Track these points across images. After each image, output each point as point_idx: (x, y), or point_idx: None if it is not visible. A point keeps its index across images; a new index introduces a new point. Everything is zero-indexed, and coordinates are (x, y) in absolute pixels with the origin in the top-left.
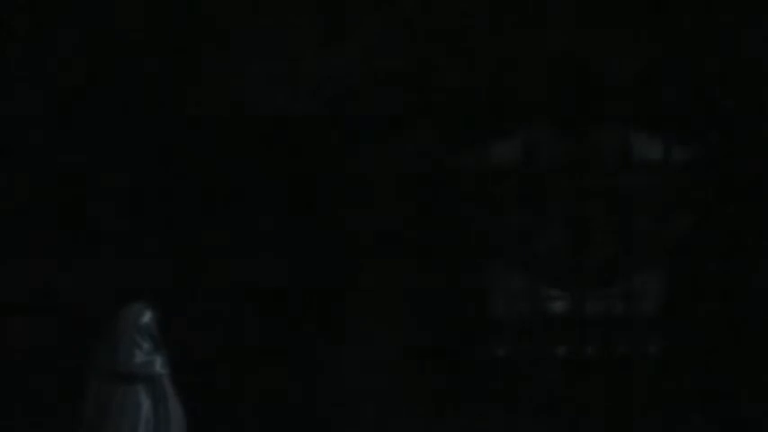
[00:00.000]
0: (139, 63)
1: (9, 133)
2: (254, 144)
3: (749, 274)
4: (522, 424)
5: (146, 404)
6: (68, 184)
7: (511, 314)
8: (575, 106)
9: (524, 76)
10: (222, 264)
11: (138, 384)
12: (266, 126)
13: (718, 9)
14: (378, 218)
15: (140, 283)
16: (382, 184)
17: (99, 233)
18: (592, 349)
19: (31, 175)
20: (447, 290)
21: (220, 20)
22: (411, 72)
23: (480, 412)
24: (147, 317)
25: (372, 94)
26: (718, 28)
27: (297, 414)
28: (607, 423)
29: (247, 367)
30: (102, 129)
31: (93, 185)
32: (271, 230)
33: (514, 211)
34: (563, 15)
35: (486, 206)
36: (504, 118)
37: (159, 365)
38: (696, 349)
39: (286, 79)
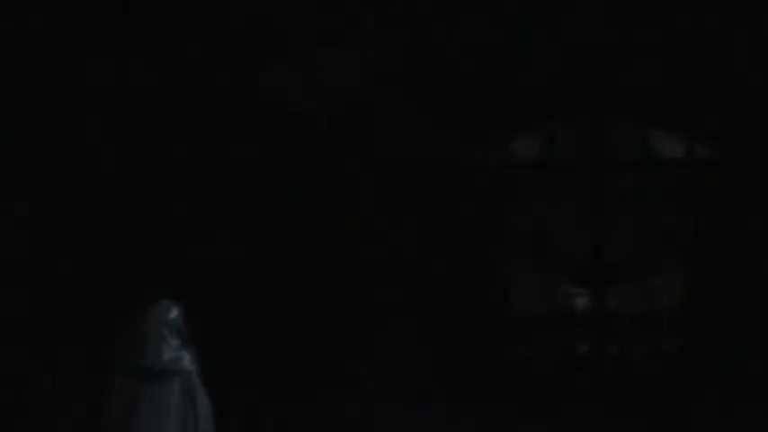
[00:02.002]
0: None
1: None
2: (257, 141)
3: None
4: (540, 421)
5: (175, 400)
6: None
7: (530, 312)
8: (593, 103)
9: (543, 73)
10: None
11: (166, 380)
12: (270, 123)
13: (735, 7)
14: (393, 215)
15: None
16: (398, 179)
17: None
18: (611, 347)
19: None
20: (465, 288)
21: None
22: (427, 67)
23: (499, 410)
24: (174, 313)
25: (387, 89)
26: (735, 26)
27: (304, 401)
28: (625, 420)
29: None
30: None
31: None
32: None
33: (533, 209)
34: (582, 12)
35: (505, 203)
36: (522, 115)
37: (187, 361)
38: (716, 347)
39: (297, 77)
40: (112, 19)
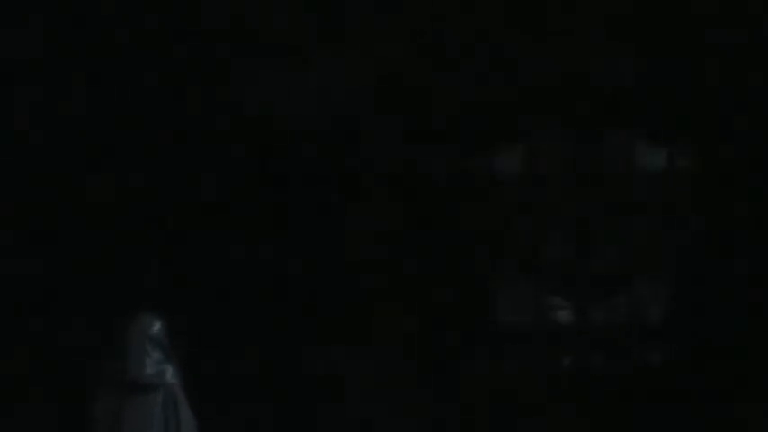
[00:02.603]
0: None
1: None
2: (255, 149)
3: (753, 283)
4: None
5: (157, 414)
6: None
7: (515, 323)
8: (578, 114)
9: (528, 84)
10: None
11: (149, 394)
12: (268, 131)
13: (722, 15)
14: (380, 223)
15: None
16: (385, 190)
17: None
18: (596, 358)
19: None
20: (450, 298)
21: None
22: (414, 79)
23: (483, 421)
24: (156, 327)
25: (375, 102)
26: (722, 35)
27: (294, 410)
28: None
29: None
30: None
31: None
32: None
33: (518, 219)
34: (567, 23)
35: (490, 214)
36: (507, 125)
37: (170, 375)
38: (701, 358)
39: (288, 85)
40: (115, 21)
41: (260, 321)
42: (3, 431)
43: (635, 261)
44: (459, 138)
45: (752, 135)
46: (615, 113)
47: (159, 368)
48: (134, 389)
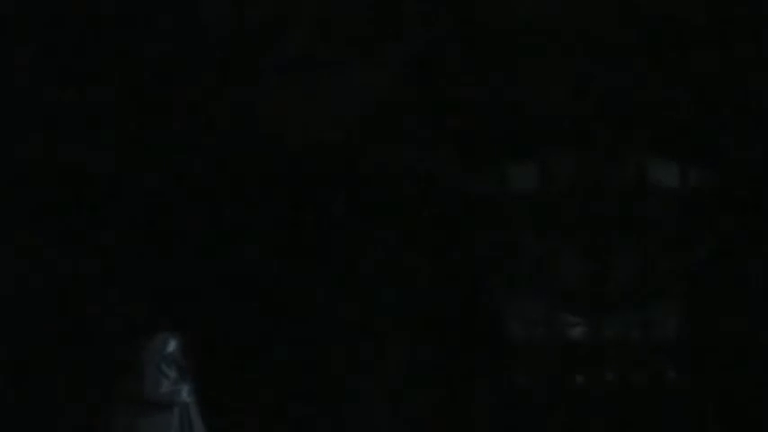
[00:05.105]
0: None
1: None
2: (272, 168)
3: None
4: None
5: None
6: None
7: (528, 341)
8: (591, 131)
9: (540, 101)
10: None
11: (164, 413)
12: (284, 150)
13: (731, 34)
14: (392, 244)
15: None
16: (397, 208)
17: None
18: (610, 377)
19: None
20: (463, 316)
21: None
22: (427, 96)
23: None
24: (172, 346)
25: (388, 119)
26: (732, 52)
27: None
28: None
29: None
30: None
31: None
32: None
33: (531, 238)
34: (577, 41)
35: (503, 232)
36: (520, 144)
37: (185, 394)
38: (715, 377)
39: (304, 104)
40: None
41: (274, 338)
42: None
43: (649, 279)
44: (472, 153)
45: (766, 152)
46: (628, 130)
47: (174, 387)
48: (149, 407)
